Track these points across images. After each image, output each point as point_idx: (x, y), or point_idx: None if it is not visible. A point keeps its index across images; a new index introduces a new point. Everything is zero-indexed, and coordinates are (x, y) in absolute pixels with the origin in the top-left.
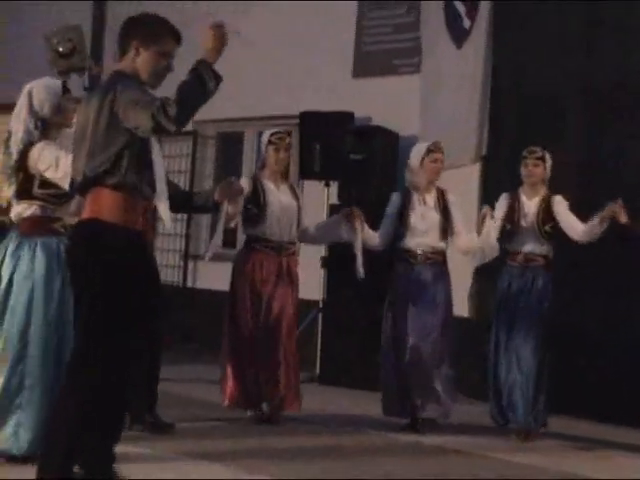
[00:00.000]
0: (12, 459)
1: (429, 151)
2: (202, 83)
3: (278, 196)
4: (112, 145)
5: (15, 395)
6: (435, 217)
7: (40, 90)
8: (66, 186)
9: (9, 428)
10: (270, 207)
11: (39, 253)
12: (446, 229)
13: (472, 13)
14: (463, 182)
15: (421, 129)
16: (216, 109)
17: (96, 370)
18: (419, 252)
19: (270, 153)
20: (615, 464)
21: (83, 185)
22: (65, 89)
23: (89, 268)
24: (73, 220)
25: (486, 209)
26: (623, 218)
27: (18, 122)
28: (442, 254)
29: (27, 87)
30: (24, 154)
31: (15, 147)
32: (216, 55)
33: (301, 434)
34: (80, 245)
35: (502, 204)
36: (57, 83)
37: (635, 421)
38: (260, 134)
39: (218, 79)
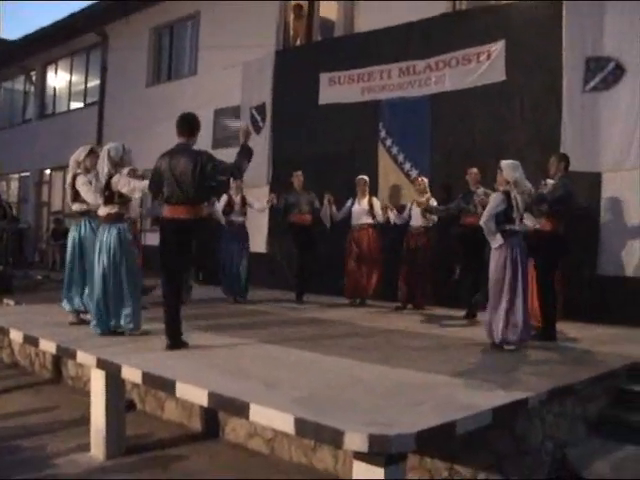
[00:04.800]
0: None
1: None
2: (249, 155)
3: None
4: (203, 183)
5: (109, 300)
6: None
7: (113, 148)
8: (136, 195)
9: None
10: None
11: (113, 231)
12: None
13: (263, 118)
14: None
15: None
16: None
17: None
18: None
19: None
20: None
21: (184, 201)
22: (124, 148)
23: (192, 234)
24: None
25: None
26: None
27: (103, 165)
28: None
29: (105, 147)
30: (108, 181)
31: (103, 178)
32: (248, 141)
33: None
34: (192, 228)
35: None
36: (120, 145)
37: None
38: None
39: (252, 152)
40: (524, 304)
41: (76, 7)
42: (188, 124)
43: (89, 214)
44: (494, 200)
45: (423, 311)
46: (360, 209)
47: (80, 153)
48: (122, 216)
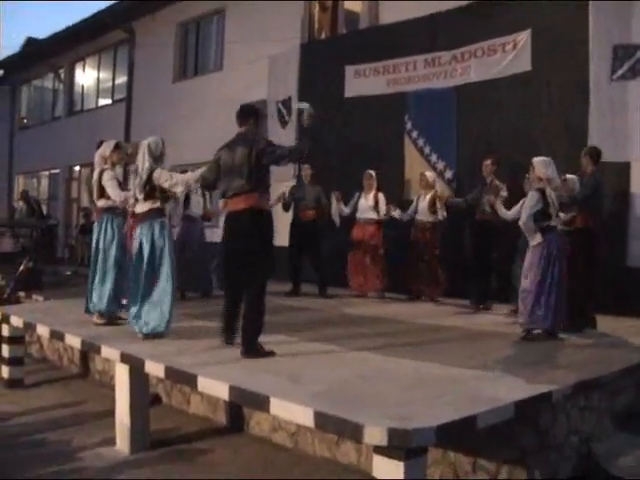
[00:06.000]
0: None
1: None
2: (311, 138)
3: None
4: (260, 171)
5: (146, 296)
6: None
7: (153, 142)
8: (179, 189)
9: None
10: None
11: (156, 227)
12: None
13: (289, 111)
14: None
15: None
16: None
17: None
18: None
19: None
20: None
21: (240, 192)
22: (162, 142)
23: (256, 230)
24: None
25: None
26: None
27: (144, 159)
28: None
29: (145, 142)
30: (149, 175)
31: (144, 173)
32: (311, 124)
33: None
34: (247, 221)
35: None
36: (160, 139)
37: None
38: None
39: (311, 142)
40: (559, 295)
41: (77, 8)
42: (240, 113)
43: (113, 211)
44: (530, 199)
45: (442, 303)
46: (365, 204)
47: (105, 148)
48: (162, 211)
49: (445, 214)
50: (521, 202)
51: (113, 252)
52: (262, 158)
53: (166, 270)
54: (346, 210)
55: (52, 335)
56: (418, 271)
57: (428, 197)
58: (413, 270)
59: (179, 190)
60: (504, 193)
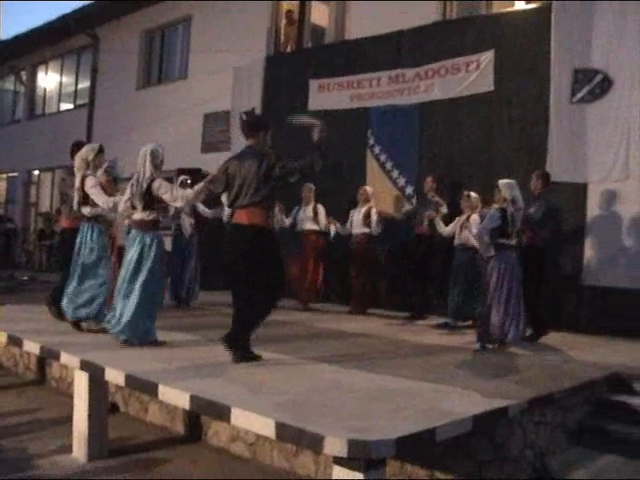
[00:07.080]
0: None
1: None
2: (322, 154)
3: None
4: (268, 185)
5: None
6: None
7: (154, 150)
8: (178, 204)
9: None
10: None
11: (146, 240)
12: None
13: None
14: None
15: None
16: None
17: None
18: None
19: None
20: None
21: (247, 205)
22: (162, 149)
23: (254, 247)
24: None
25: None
26: None
27: (145, 167)
28: None
29: (146, 149)
30: (149, 185)
31: (144, 182)
32: (321, 139)
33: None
34: (249, 237)
35: None
36: (159, 146)
37: None
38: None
39: (324, 158)
40: (510, 309)
41: (72, 7)
42: (249, 126)
43: (96, 219)
44: (491, 216)
45: (388, 316)
46: (304, 216)
47: (88, 152)
48: (158, 223)
49: (379, 229)
50: (457, 220)
51: (92, 261)
52: (272, 172)
53: (145, 282)
54: (286, 221)
55: (10, 341)
56: (355, 283)
57: (363, 210)
58: (353, 283)
59: (178, 205)
60: (444, 210)
